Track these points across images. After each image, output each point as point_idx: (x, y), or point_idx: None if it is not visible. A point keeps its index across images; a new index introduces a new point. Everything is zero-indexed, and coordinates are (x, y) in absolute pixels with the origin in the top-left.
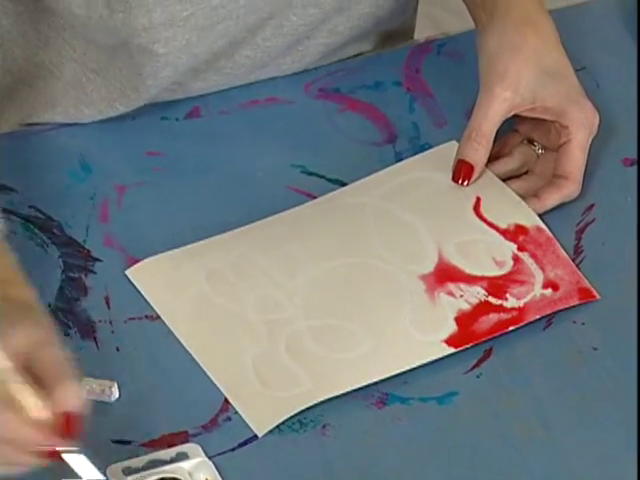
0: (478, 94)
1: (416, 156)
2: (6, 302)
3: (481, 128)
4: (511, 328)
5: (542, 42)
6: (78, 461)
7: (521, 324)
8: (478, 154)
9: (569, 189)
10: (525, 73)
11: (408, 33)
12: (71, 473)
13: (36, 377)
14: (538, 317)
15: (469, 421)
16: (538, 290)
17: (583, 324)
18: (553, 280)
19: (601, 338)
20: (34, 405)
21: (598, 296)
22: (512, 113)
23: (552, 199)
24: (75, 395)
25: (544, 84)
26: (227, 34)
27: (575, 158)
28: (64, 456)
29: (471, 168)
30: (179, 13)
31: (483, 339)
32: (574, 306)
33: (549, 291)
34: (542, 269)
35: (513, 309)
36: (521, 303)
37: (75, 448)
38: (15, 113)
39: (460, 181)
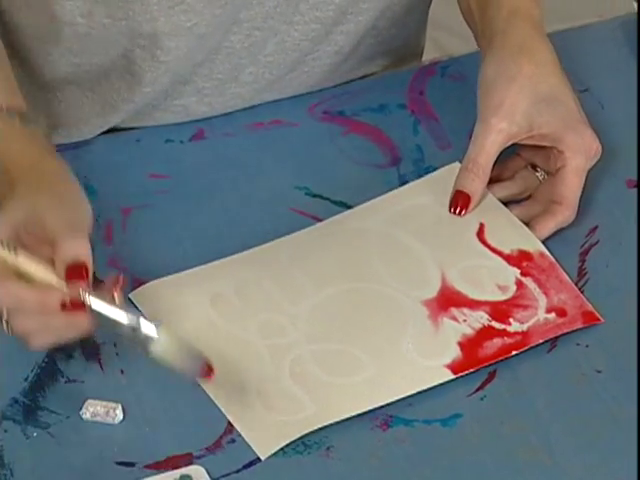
0: (475, 125)
1: (420, 179)
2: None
3: (477, 159)
4: (514, 353)
5: (538, 69)
6: (100, 302)
7: (524, 348)
8: (474, 185)
9: (563, 215)
10: (520, 103)
11: (416, 56)
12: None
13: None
14: (541, 341)
15: (473, 443)
16: (542, 315)
17: (587, 346)
18: (557, 305)
19: (605, 361)
20: (39, 270)
21: (602, 319)
22: (510, 143)
23: (547, 228)
24: (81, 244)
25: (540, 111)
26: (228, 44)
27: (570, 183)
28: (89, 299)
29: (468, 198)
30: (183, 23)
31: (486, 364)
32: (577, 329)
33: (552, 315)
34: (545, 294)
35: (517, 333)
36: (525, 327)
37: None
38: None
39: (457, 211)
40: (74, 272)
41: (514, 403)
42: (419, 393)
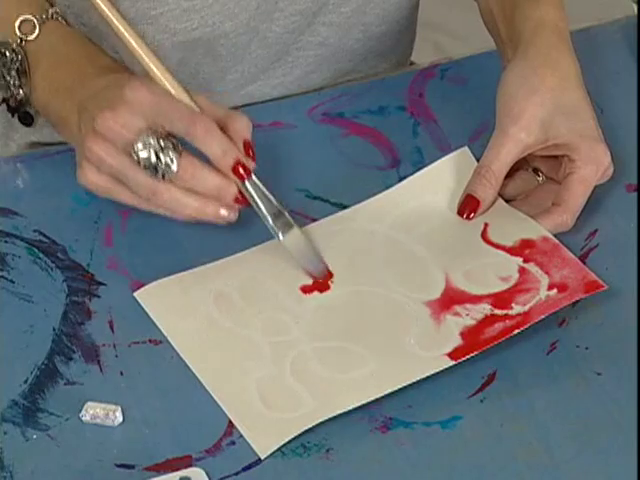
0: (493, 133)
1: (427, 168)
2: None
3: (491, 167)
4: (516, 332)
5: (561, 82)
6: (255, 187)
7: (525, 326)
8: (486, 191)
9: (560, 216)
10: (540, 115)
11: (404, 59)
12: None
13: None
14: (543, 317)
15: (472, 446)
16: (543, 293)
17: (587, 349)
18: (559, 281)
19: (605, 363)
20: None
21: (606, 286)
22: (526, 153)
23: (542, 223)
24: (247, 123)
25: (558, 124)
26: (205, 43)
27: (573, 189)
28: (247, 183)
29: (477, 204)
30: (147, 11)
31: (488, 346)
32: (580, 330)
33: (554, 292)
34: (547, 273)
35: (518, 315)
36: (526, 308)
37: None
38: (26, 132)
39: (465, 216)
40: (248, 152)
41: (514, 405)
42: (419, 394)
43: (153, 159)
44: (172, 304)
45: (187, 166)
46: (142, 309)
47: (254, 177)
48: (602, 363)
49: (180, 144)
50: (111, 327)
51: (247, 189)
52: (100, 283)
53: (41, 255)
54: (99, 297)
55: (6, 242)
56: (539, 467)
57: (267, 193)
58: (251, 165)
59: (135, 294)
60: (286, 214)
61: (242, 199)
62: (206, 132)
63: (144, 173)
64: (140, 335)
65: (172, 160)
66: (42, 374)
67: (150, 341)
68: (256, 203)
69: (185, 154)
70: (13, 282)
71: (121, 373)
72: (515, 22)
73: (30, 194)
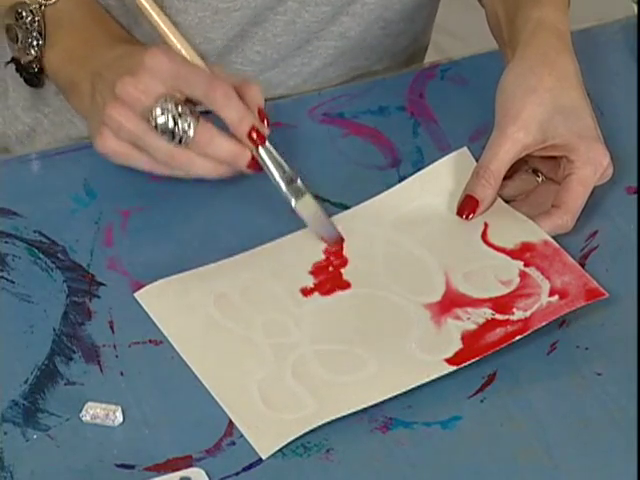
0: (491, 133)
1: (427, 169)
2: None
3: (489, 167)
4: (517, 338)
5: (559, 82)
6: (268, 154)
7: (527, 333)
8: (485, 191)
9: (561, 218)
10: (538, 115)
11: (419, 58)
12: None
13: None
14: (545, 323)
15: (472, 446)
16: (545, 299)
17: (587, 349)
18: (560, 287)
19: (605, 363)
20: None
21: (606, 293)
22: (524, 154)
23: (541, 225)
24: (261, 92)
25: (557, 124)
26: (241, 23)
27: (573, 190)
28: (261, 149)
29: (476, 204)
30: None
31: (489, 352)
32: (580, 331)
33: (555, 298)
34: (548, 279)
35: (519, 320)
36: (527, 314)
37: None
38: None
39: (465, 216)
40: (262, 119)
41: (514, 405)
42: (419, 395)
43: (170, 124)
44: (172, 305)
45: (204, 132)
46: (142, 309)
47: (268, 144)
48: (602, 363)
49: (197, 111)
50: (111, 327)
51: (261, 155)
52: (100, 283)
53: (41, 255)
54: (99, 297)
55: (6, 242)
56: (539, 467)
57: (280, 160)
58: (265, 132)
59: (135, 294)
60: (299, 181)
61: (255, 165)
62: (224, 97)
63: (162, 138)
64: (140, 335)
65: (189, 126)
66: (42, 374)
67: (150, 341)
68: (269, 169)
69: (202, 120)
70: (13, 282)
71: (121, 373)
72: (516, 24)
73: (30, 194)
